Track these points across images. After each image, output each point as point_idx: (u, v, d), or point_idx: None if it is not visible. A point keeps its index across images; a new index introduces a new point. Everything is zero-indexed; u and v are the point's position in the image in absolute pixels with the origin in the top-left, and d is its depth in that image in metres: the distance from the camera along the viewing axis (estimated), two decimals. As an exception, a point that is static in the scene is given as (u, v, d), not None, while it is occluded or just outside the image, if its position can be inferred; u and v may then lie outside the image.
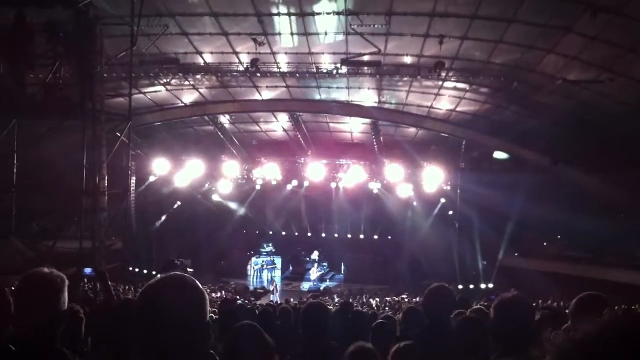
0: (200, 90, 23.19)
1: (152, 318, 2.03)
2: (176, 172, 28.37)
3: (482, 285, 25.77)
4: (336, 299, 23.74)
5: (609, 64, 16.36)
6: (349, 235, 34.27)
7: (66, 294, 2.90)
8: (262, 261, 34.62)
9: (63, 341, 3.19)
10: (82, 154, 12.85)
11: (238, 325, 3.93)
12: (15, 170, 13.81)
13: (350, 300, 19.92)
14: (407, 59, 18.97)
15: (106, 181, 13.26)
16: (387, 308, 19.31)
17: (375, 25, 16.06)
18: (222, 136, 27.97)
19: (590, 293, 3.97)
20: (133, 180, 24.87)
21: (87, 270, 12.42)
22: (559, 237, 26.15)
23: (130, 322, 3.50)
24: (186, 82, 21.94)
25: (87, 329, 5.14)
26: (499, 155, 25.17)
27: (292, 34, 17.50)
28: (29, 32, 11.75)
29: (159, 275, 2.18)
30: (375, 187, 29.79)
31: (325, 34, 17.43)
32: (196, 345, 2.07)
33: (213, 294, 23.27)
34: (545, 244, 26.00)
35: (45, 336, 2.79)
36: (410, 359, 3.79)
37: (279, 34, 17.59)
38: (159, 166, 27.65)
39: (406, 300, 22.59)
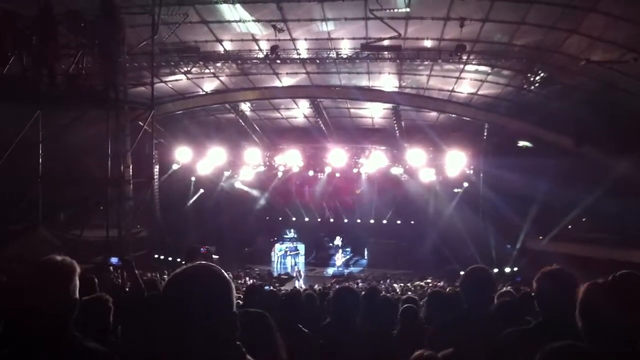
0: (221, 78, 23.24)
1: (178, 308, 2.05)
2: (198, 160, 28.59)
3: (507, 269, 25.59)
4: (360, 284, 23.78)
5: (633, 43, 16.07)
6: (372, 221, 34.22)
7: (77, 281, 2.91)
8: (286, 247, 34.73)
9: (88, 330, 3.23)
10: (106, 144, 12.98)
11: (244, 312, 3.93)
12: (40, 160, 13.99)
13: (375, 284, 19.98)
14: (428, 43, 18.81)
15: (131, 170, 13.40)
16: (409, 292, 19.30)
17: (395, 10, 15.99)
18: (243, 124, 28.07)
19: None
20: (156, 168, 25.06)
21: (114, 259, 12.57)
22: (583, 219, 25.89)
23: (157, 312, 3.54)
24: (207, 71, 22.02)
25: (116, 317, 5.20)
26: (522, 143, 25.04)
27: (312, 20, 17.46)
28: (54, 22, 11.85)
29: (184, 265, 2.19)
30: (397, 172, 29.73)
31: (345, 19, 17.36)
32: (223, 335, 2.08)
33: (238, 280, 23.46)
34: (569, 226, 25.74)
35: (56, 322, 2.81)
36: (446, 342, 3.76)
37: (298, 20, 17.54)
38: (182, 154, 27.88)
39: (430, 284, 22.56)
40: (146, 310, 5.38)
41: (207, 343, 2.02)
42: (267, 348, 3.63)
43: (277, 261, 34.32)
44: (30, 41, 11.87)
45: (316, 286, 20.60)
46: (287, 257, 34.40)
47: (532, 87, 19.77)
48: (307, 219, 35.53)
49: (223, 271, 2.18)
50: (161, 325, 2.11)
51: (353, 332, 4.87)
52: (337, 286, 9.39)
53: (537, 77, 18.89)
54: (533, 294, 3.99)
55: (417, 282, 23.42)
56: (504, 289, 8.57)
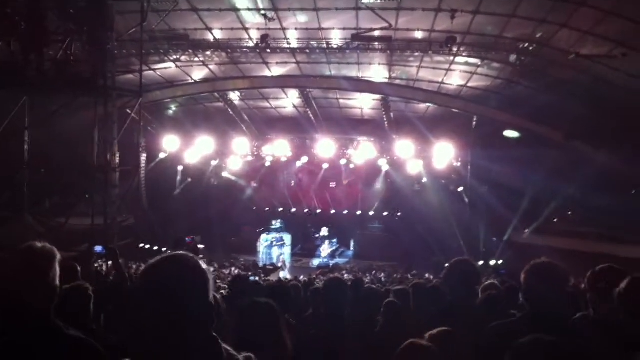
0: (210, 67, 23.15)
1: (152, 299, 2.02)
2: (186, 148, 28.46)
3: (492, 262, 25.67)
4: (346, 276, 23.78)
5: (622, 38, 16.14)
6: (359, 212, 34.22)
7: (57, 268, 2.86)
8: (272, 238, 34.62)
9: (68, 317, 3.19)
10: (93, 131, 12.91)
11: (253, 302, 3.94)
12: (27, 147, 13.89)
13: (360, 276, 20.00)
14: (419, 34, 18.81)
15: (118, 158, 13.32)
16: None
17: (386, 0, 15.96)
18: (232, 113, 27.95)
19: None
20: (144, 157, 24.92)
21: (98, 248, 12.51)
22: (570, 213, 26.02)
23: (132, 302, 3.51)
24: (196, 59, 21.88)
25: (99, 306, 5.17)
26: (510, 134, 25.03)
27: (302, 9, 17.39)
28: (43, 8, 11.73)
29: (160, 255, 2.16)
30: (385, 163, 29.74)
31: (336, 9, 17.29)
32: (197, 327, 2.04)
33: (224, 270, 23.41)
34: (556, 220, 25.87)
35: (36, 310, 2.78)
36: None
37: (289, 9, 17.46)
38: (169, 143, 27.74)
39: (416, 275, 22.62)
40: (127, 300, 5.38)
41: (180, 334, 1.99)
42: (274, 336, 3.67)
43: (263, 251, 34.18)
44: (18, 27, 11.73)
45: (301, 277, 20.61)
46: (273, 248, 34.22)
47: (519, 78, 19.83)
48: (293, 210, 35.45)
49: (199, 261, 2.13)
50: (135, 315, 2.08)
51: (343, 323, 4.87)
52: (323, 278, 9.40)
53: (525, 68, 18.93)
54: (521, 286, 3.95)
55: (403, 274, 23.48)
56: (489, 281, 8.58)
